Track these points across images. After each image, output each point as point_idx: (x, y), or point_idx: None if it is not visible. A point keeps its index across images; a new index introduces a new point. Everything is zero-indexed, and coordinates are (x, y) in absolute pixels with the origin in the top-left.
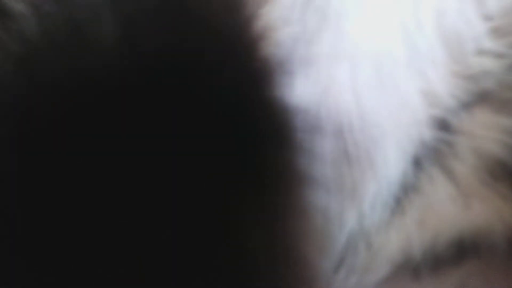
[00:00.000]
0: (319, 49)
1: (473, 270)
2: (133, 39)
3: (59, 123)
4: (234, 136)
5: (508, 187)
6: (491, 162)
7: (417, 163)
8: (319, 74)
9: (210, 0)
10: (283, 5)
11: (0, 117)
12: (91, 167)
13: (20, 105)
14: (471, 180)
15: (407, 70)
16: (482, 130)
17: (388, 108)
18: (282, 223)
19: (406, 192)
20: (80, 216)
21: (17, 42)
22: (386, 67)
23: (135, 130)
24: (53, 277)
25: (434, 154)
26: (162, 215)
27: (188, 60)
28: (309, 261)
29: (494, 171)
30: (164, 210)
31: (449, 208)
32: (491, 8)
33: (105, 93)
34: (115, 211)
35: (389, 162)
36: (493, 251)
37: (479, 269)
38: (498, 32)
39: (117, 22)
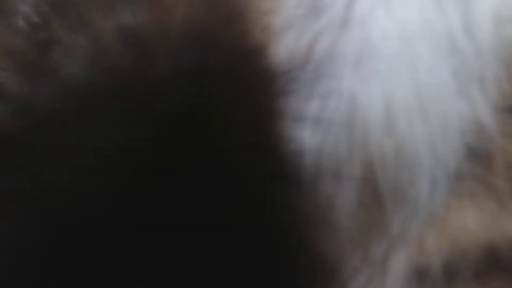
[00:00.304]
0: (340, 62)
1: None
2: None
3: None
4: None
5: None
6: None
7: (450, 188)
8: (341, 94)
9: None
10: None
11: None
12: None
13: None
14: (505, 193)
15: (451, 90)
16: None
17: (426, 137)
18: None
19: (432, 211)
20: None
21: None
22: (426, 86)
23: None
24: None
25: (468, 181)
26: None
27: None
28: None
29: None
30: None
31: (476, 221)
32: None
33: None
34: None
35: (422, 198)
36: None
37: None
38: None
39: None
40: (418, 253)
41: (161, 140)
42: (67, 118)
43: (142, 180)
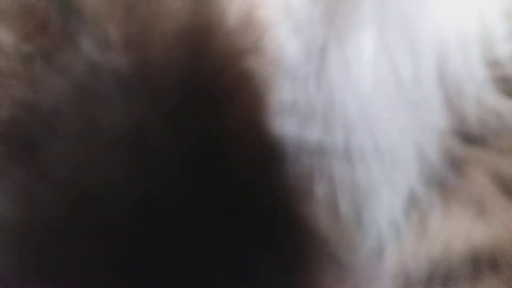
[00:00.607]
0: (311, 115)
1: None
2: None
3: None
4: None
5: None
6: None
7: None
8: (310, 141)
9: None
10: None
11: None
12: None
13: None
14: (485, 197)
15: (401, 124)
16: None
17: (380, 167)
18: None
19: (407, 214)
20: None
21: None
22: (381, 133)
23: None
24: None
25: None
26: None
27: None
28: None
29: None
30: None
31: (461, 222)
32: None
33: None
34: None
35: (380, 221)
36: None
37: None
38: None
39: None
40: (405, 259)
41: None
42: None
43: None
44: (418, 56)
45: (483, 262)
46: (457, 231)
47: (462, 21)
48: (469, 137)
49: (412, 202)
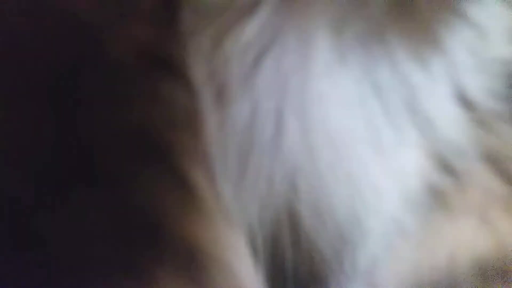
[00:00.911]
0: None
1: None
2: None
3: None
4: None
5: None
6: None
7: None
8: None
9: None
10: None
11: None
12: None
13: None
14: (488, 202)
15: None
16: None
17: (362, 201)
18: None
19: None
20: None
21: None
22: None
23: None
24: None
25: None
26: None
27: None
28: None
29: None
30: None
31: (464, 231)
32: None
33: None
34: None
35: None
36: None
37: None
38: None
39: None
40: (402, 269)
41: None
42: None
43: None
44: (387, 100)
45: (491, 271)
46: (460, 240)
47: None
48: (451, 168)
49: (399, 228)
